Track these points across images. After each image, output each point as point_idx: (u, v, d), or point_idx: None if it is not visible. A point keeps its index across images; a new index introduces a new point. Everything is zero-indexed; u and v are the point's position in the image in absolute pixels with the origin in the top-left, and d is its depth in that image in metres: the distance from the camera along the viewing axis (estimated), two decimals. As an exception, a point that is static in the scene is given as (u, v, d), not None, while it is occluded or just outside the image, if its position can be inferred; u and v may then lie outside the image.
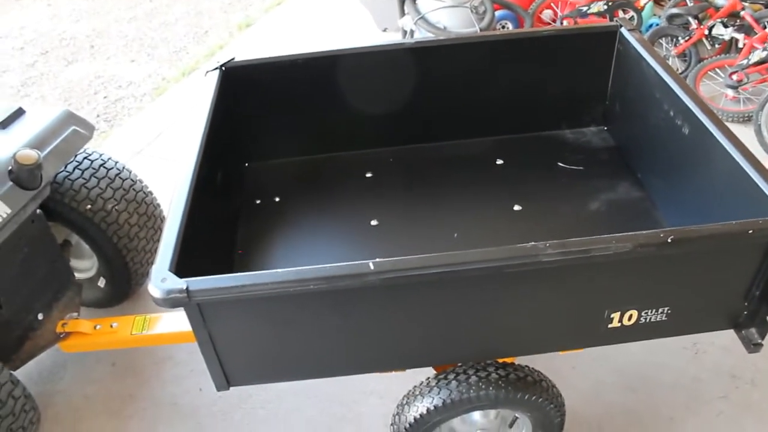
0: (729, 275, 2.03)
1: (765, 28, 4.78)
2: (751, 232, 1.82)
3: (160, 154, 4.90)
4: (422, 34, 4.74)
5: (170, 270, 1.82)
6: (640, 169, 2.88)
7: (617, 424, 2.87)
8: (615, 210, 2.76)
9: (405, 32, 4.96)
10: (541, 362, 2.61)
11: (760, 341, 2.14)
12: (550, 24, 5.73)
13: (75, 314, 3.06)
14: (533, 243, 1.77)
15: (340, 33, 6.47)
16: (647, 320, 2.07)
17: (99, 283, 3.37)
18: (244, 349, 2.02)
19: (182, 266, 1.88)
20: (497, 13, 5.35)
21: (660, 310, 2.05)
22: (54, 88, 6.04)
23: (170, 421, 3.03)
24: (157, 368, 3.27)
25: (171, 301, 1.76)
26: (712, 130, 2.23)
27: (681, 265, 1.97)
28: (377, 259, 1.75)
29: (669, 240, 1.78)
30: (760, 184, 1.99)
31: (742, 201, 2.09)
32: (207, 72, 2.79)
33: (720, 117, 4.57)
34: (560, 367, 3.07)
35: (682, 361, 3.11)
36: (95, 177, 3.12)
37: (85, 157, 3.18)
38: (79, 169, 3.11)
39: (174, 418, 3.05)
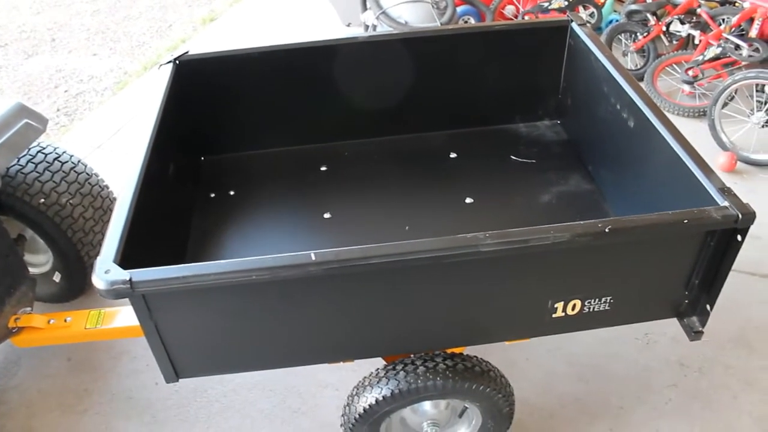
0: (668, 265, 2.08)
1: (720, 25, 4.87)
2: (686, 221, 1.86)
3: (120, 148, 4.86)
4: (384, 29, 4.75)
5: (114, 261, 1.82)
6: (591, 161, 2.93)
7: (568, 413, 2.92)
8: (566, 202, 2.81)
9: (367, 27, 4.97)
10: (495, 354, 2.65)
11: (701, 329, 2.20)
12: (511, 20, 5.78)
13: (28, 309, 3.03)
14: (473, 233, 1.80)
15: (305, 27, 6.46)
16: (591, 310, 2.11)
17: (54, 278, 3.34)
18: (191, 340, 2.03)
19: (129, 258, 1.88)
20: (459, 9, 5.39)
21: (603, 299, 2.09)
22: (13, 81, 5.96)
23: (126, 415, 3.02)
24: (114, 363, 3.26)
25: (114, 292, 1.76)
26: (654, 123, 2.27)
27: (621, 255, 2.02)
28: (319, 250, 1.77)
29: (606, 230, 1.82)
30: (697, 175, 2.04)
31: (682, 192, 2.14)
32: (160, 65, 2.78)
33: (676, 112, 4.72)
34: (515, 358, 3.12)
35: (633, 351, 3.17)
36: (49, 170, 3.09)
37: (39, 151, 3.15)
38: (33, 163, 3.08)
39: (129, 413, 3.03)
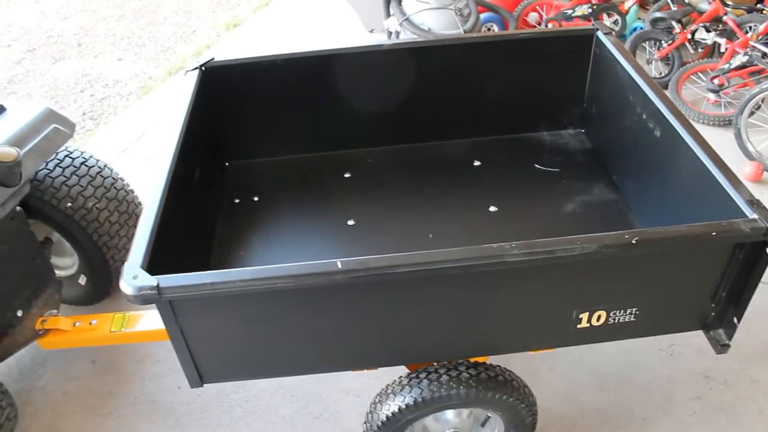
0: (695, 277, 2.06)
1: (747, 33, 4.83)
2: (714, 234, 1.85)
3: (145, 152, 4.90)
4: (407, 36, 4.76)
5: (142, 267, 1.84)
6: (615, 171, 2.92)
7: (591, 423, 2.90)
8: (589, 212, 2.79)
9: (390, 33, 4.99)
10: (518, 363, 2.64)
11: (727, 342, 2.17)
12: (535, 27, 5.76)
13: (54, 311, 3.06)
14: (500, 243, 1.80)
15: (328, 33, 6.49)
16: (616, 321, 2.10)
17: (80, 281, 3.37)
18: (216, 346, 2.04)
19: (155, 263, 1.90)
20: (482, 16, 5.39)
21: (628, 310, 2.08)
22: (41, 85, 6.03)
23: (149, 419, 3.04)
24: (137, 366, 3.28)
25: (142, 298, 1.78)
26: (681, 133, 2.26)
27: (647, 267, 2.00)
28: (345, 258, 1.78)
29: (633, 241, 1.81)
30: (725, 187, 2.03)
31: (710, 203, 2.12)
32: (186, 72, 2.81)
33: (701, 121, 4.68)
34: (538, 367, 3.10)
35: (657, 362, 3.14)
36: (76, 175, 3.13)
37: (67, 155, 3.18)
38: (60, 167, 3.11)
39: (153, 416, 3.05)
